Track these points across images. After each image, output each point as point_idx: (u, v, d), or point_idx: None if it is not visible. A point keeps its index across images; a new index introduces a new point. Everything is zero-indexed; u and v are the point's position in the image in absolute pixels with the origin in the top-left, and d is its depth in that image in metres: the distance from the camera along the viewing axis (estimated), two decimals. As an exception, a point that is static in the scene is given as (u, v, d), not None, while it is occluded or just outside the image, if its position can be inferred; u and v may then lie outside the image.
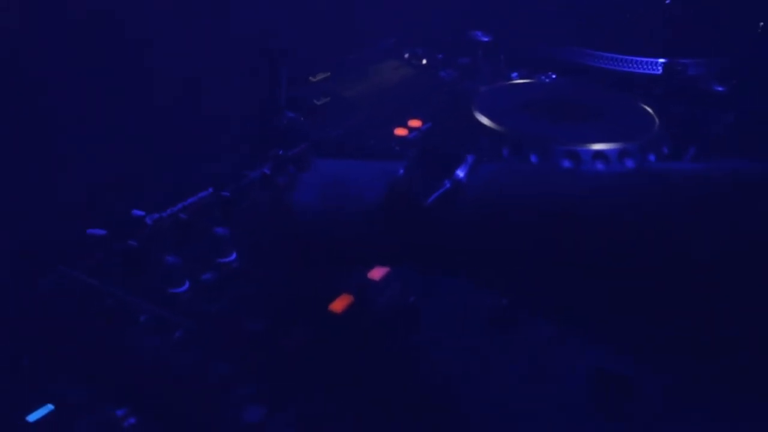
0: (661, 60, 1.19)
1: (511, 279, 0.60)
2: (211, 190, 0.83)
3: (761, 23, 1.19)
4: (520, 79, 1.22)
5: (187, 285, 0.69)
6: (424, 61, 1.28)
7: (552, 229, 0.56)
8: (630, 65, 1.21)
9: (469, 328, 0.66)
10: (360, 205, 0.63)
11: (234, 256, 0.73)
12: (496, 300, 0.68)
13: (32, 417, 0.55)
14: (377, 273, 0.71)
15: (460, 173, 0.60)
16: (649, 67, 1.20)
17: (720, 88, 1.13)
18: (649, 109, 1.02)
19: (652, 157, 0.93)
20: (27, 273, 0.69)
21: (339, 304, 0.67)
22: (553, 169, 0.81)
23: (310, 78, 1.13)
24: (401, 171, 0.62)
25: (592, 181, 0.61)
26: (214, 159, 0.94)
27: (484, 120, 0.99)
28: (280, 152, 0.91)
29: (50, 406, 0.56)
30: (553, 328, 0.67)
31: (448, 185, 0.59)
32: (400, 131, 1.03)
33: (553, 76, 1.23)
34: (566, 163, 0.91)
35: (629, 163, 0.91)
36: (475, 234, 0.59)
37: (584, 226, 0.56)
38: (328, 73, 1.16)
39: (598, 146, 0.92)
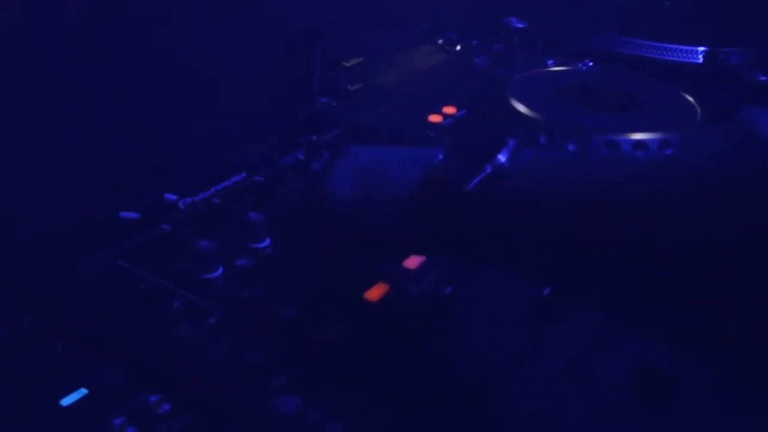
0: (702, 48, 1.16)
1: (550, 269, 0.59)
2: (244, 174, 0.83)
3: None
4: (556, 66, 1.19)
5: (220, 270, 0.68)
6: (458, 48, 1.26)
7: (593, 216, 0.55)
8: (670, 54, 1.18)
9: (507, 319, 0.65)
10: (396, 191, 0.62)
11: (267, 242, 0.72)
12: (534, 291, 0.66)
13: (66, 401, 0.54)
14: (413, 262, 0.70)
15: (502, 158, 0.58)
16: (690, 55, 1.17)
17: (763, 78, 1.10)
18: (690, 99, 1.00)
19: (692, 147, 0.91)
20: (63, 256, 0.68)
21: (374, 293, 0.66)
22: (594, 155, 0.79)
23: (343, 63, 1.12)
24: (440, 156, 0.60)
25: (633, 168, 0.59)
26: (247, 144, 0.93)
27: (521, 107, 0.97)
28: (314, 138, 0.90)
29: (84, 391, 0.55)
30: (592, 320, 0.65)
31: (489, 170, 0.58)
32: (435, 118, 1.02)
33: (590, 64, 1.21)
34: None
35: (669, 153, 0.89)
36: (514, 221, 0.57)
37: (626, 213, 0.54)
38: (361, 58, 1.14)
39: (638, 136, 0.90)
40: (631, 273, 0.55)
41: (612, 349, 0.62)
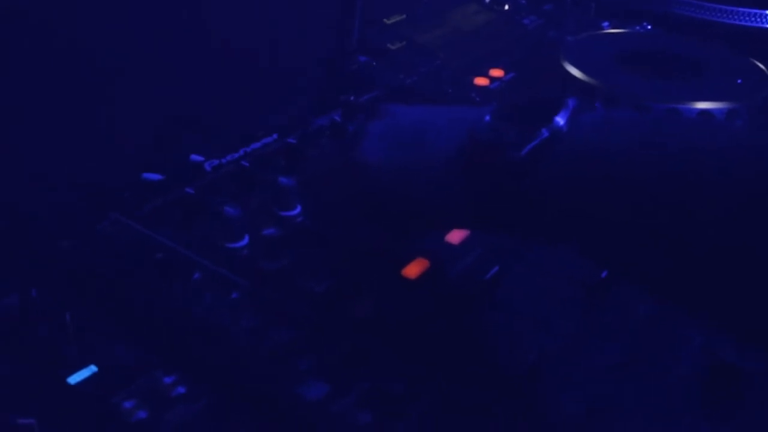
0: (771, 13, 1.08)
1: (607, 248, 0.53)
2: (275, 136, 0.77)
3: None
4: (612, 29, 1.12)
5: (246, 240, 0.62)
6: (506, 7, 1.18)
7: (659, 191, 0.48)
8: (737, 17, 1.09)
9: (558, 304, 0.59)
10: (438, 156, 0.56)
11: (298, 209, 0.67)
12: (590, 273, 0.60)
13: (73, 379, 0.50)
14: (456, 236, 0.64)
15: (560, 120, 0.52)
16: (758, 19, 1.09)
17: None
18: (761, 66, 0.92)
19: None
20: (76, 219, 0.64)
21: (413, 270, 0.60)
22: (665, 119, 0.72)
23: (384, 20, 1.05)
24: (487, 117, 0.54)
25: (704, 139, 0.52)
26: (280, 104, 0.87)
27: (575, 72, 0.90)
28: (351, 98, 0.84)
29: (93, 368, 0.50)
30: (653, 306, 0.59)
31: (546, 134, 0.51)
32: (481, 81, 0.95)
33: (648, 27, 1.13)
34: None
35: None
36: (570, 192, 0.51)
37: (695, 190, 0.48)
38: (404, 15, 1.07)
39: (702, 105, 0.83)
40: (697, 257, 0.48)
41: (674, 341, 0.56)
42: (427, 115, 0.62)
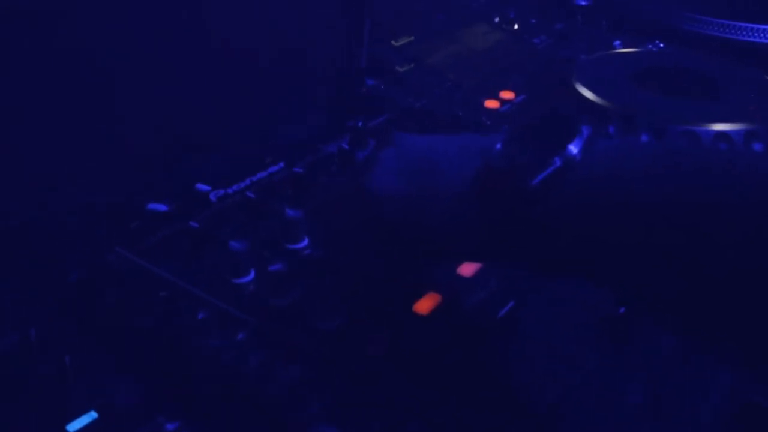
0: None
1: (626, 280, 0.50)
2: (282, 165, 0.75)
3: None
4: (624, 48, 1.10)
5: (252, 275, 0.60)
6: (516, 26, 1.17)
7: (678, 221, 0.46)
8: (751, 34, 1.07)
9: (576, 341, 0.57)
10: (449, 185, 0.54)
11: (306, 242, 0.65)
12: (609, 306, 0.58)
13: (72, 426, 0.48)
14: (469, 269, 0.62)
15: (573, 149, 0.50)
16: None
17: None
18: (779, 85, 0.90)
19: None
20: (86, 251, 0.62)
21: (424, 305, 0.58)
22: (681, 145, 0.70)
23: (393, 42, 1.04)
24: (498, 145, 0.52)
25: (722, 165, 0.50)
26: (287, 126, 0.85)
27: (587, 93, 0.88)
28: (360, 124, 0.82)
29: (93, 414, 0.48)
30: (677, 339, 0.56)
31: (558, 163, 0.49)
32: (491, 103, 0.93)
33: (661, 45, 1.11)
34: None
35: (758, 148, 0.79)
36: (586, 223, 0.49)
37: (715, 219, 0.46)
38: (412, 37, 1.06)
39: (720, 126, 0.81)
40: (720, 287, 0.46)
41: (701, 378, 0.54)
42: (438, 143, 0.60)
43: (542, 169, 0.49)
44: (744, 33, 1.08)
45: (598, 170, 0.50)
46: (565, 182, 0.49)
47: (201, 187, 0.73)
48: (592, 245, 0.49)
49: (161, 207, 0.70)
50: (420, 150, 0.59)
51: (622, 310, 0.57)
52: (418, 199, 0.56)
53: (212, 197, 0.70)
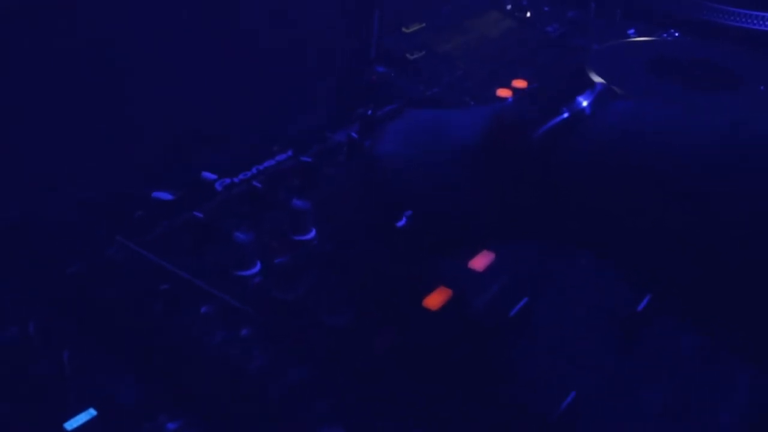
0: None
1: (643, 269, 0.48)
2: (290, 153, 0.73)
3: None
4: (638, 36, 1.07)
5: (258, 267, 0.59)
6: (528, 14, 1.14)
7: (703, 200, 0.43)
8: (766, 23, 1.05)
9: (591, 339, 0.55)
10: (457, 147, 0.51)
11: (313, 233, 0.63)
12: (625, 300, 0.56)
13: (70, 424, 0.46)
14: (480, 262, 0.60)
15: (583, 101, 0.47)
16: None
17: None
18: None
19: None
20: (89, 241, 0.60)
21: (435, 300, 0.56)
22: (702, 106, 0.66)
23: (403, 29, 1.02)
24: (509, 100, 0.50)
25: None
26: (295, 115, 0.84)
27: (601, 83, 0.86)
28: (369, 112, 0.80)
29: (92, 412, 0.47)
30: (696, 338, 0.55)
31: (566, 114, 0.47)
32: (503, 92, 0.91)
33: (676, 35, 1.09)
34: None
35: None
36: (597, 185, 0.46)
37: (744, 200, 0.42)
38: (423, 24, 1.04)
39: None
40: (742, 278, 0.43)
41: (721, 379, 0.52)
42: (446, 114, 0.58)
43: (548, 120, 0.47)
44: (760, 22, 1.05)
45: (611, 128, 0.47)
46: (575, 135, 0.47)
47: (207, 175, 0.71)
48: (603, 216, 0.46)
49: (166, 195, 0.69)
50: (428, 119, 0.57)
51: (639, 308, 0.55)
52: (425, 165, 0.53)
53: (218, 186, 0.68)
